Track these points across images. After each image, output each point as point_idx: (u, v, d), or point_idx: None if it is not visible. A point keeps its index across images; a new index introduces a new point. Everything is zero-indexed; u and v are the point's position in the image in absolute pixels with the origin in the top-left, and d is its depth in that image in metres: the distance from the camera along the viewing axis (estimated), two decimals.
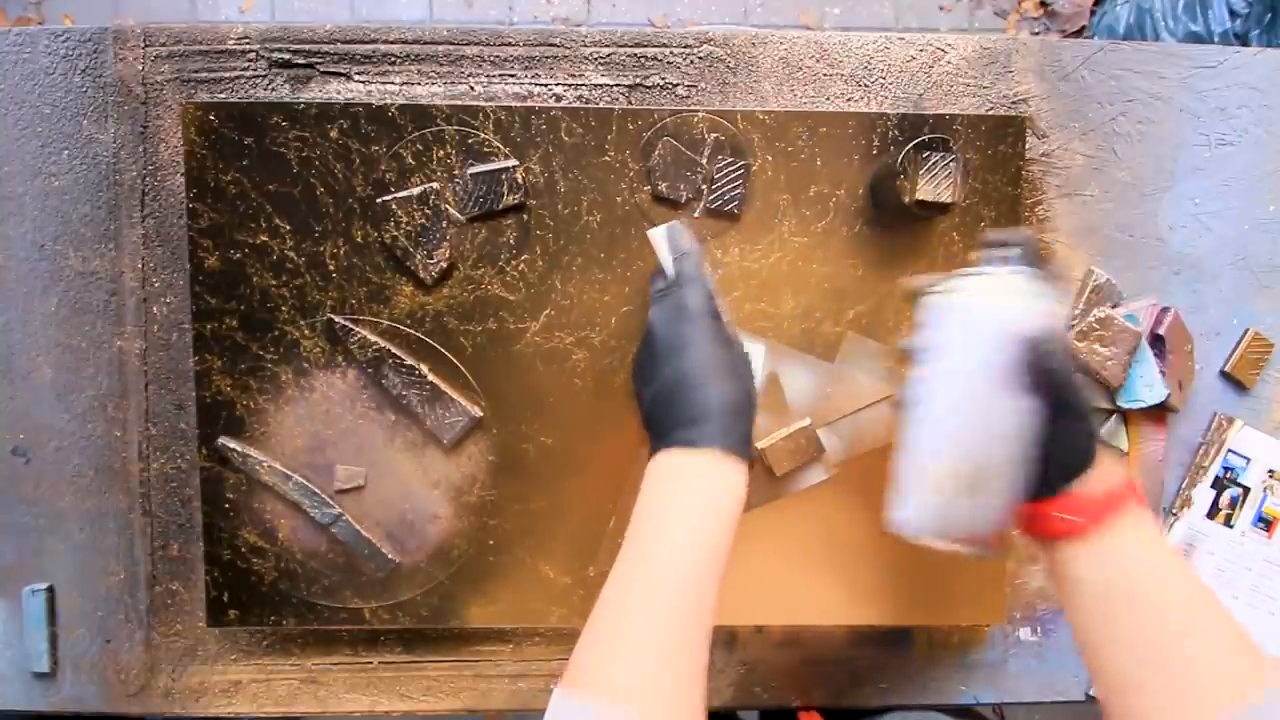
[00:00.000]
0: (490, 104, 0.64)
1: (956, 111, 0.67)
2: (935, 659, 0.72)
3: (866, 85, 0.68)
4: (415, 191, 0.63)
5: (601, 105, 0.67)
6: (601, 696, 0.39)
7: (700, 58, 0.67)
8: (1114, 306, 0.69)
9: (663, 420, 0.48)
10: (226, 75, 0.66)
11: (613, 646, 0.41)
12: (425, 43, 0.66)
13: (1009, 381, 0.46)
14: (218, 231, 0.63)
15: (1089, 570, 0.46)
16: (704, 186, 0.64)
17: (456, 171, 0.63)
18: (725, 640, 0.70)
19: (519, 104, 0.66)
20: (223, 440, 0.64)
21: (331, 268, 0.64)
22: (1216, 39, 1.33)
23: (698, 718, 0.40)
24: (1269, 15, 1.29)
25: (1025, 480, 0.48)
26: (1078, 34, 1.69)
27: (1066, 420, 0.46)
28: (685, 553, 0.43)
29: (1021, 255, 0.49)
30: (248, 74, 0.66)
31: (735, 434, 0.46)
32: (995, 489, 0.48)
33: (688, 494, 0.45)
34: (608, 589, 0.43)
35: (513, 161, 0.63)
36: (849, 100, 0.68)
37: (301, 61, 0.66)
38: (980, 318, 0.48)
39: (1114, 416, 0.69)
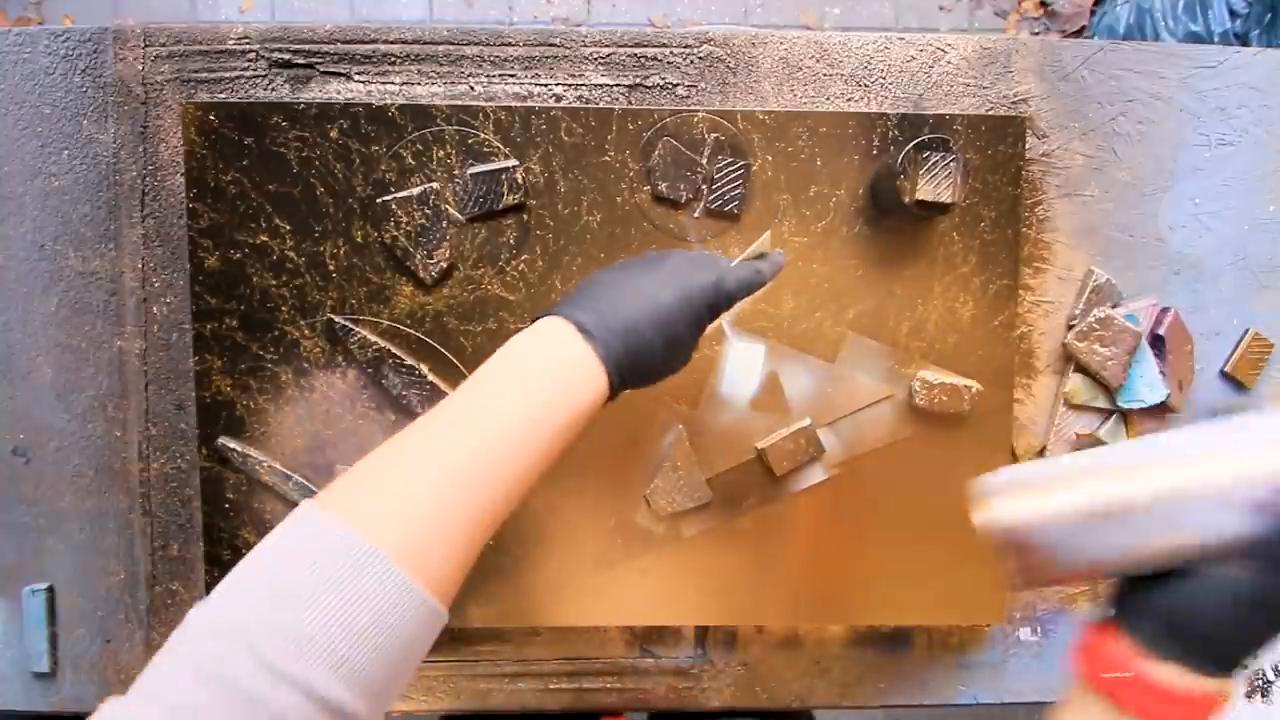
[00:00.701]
0: (490, 104, 0.64)
1: (956, 111, 0.67)
2: (935, 659, 0.72)
3: (866, 85, 0.68)
4: (415, 191, 0.63)
5: (601, 105, 0.67)
6: (358, 529, 0.34)
7: (700, 58, 0.67)
8: (1114, 306, 0.69)
9: (575, 293, 0.45)
10: (226, 75, 0.66)
11: (385, 486, 0.37)
12: (425, 43, 0.66)
13: (1250, 492, 0.35)
14: (218, 231, 0.63)
15: None
16: (704, 186, 0.64)
17: (456, 171, 0.63)
18: (725, 640, 0.70)
19: (519, 104, 0.66)
20: (223, 440, 0.64)
21: (331, 268, 0.64)
22: (1216, 39, 1.33)
23: (453, 588, 0.37)
24: (1269, 15, 1.29)
25: (1141, 601, 0.38)
26: (1078, 34, 1.69)
27: (1250, 606, 0.35)
28: (502, 431, 0.39)
29: None
30: (248, 74, 0.66)
31: (623, 363, 0.42)
32: (1133, 535, 0.37)
33: (544, 363, 0.41)
34: (409, 429, 0.39)
35: (513, 161, 0.63)
36: (849, 100, 0.68)
37: (301, 61, 0.66)
38: None
39: (1114, 416, 0.69)
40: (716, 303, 0.46)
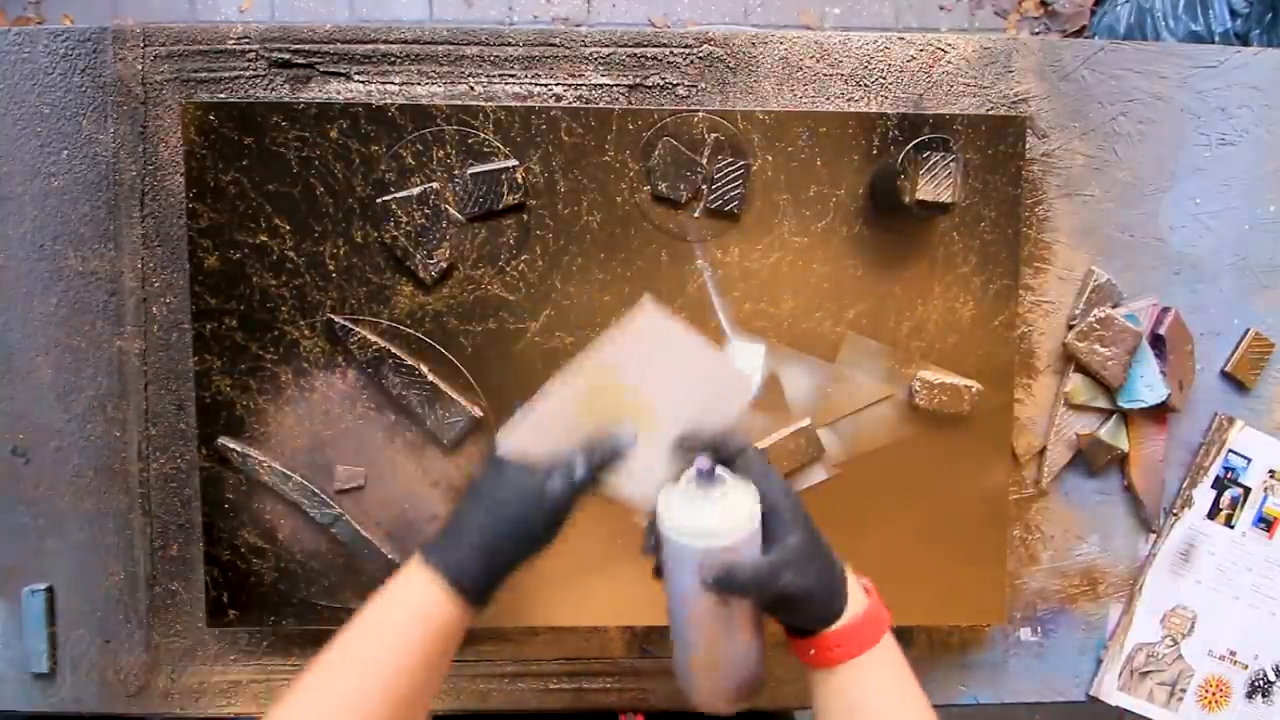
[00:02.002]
0: (490, 104, 0.64)
1: (956, 111, 0.67)
2: (935, 659, 0.72)
3: (866, 85, 0.68)
4: (415, 191, 0.63)
5: (601, 105, 0.67)
6: None
7: (700, 58, 0.67)
8: (1114, 306, 0.69)
9: (437, 534, 0.49)
10: (226, 75, 0.66)
11: None
12: (425, 43, 0.66)
13: (710, 595, 0.45)
14: (218, 231, 0.63)
15: (832, 699, 0.47)
16: (704, 186, 0.64)
17: (456, 171, 0.63)
18: None
19: (519, 104, 0.66)
20: (223, 440, 0.64)
21: (331, 268, 0.64)
22: (1217, 39, 1.33)
23: None
24: (1269, 15, 1.29)
25: (776, 614, 0.47)
26: (1078, 34, 1.69)
27: (790, 597, 0.45)
28: (376, 661, 0.45)
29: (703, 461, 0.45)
30: (248, 74, 0.66)
31: (470, 573, 0.46)
32: (732, 661, 0.48)
33: (400, 610, 0.46)
34: (307, 673, 0.45)
35: (513, 161, 0.63)
36: (849, 100, 0.68)
37: (301, 61, 0.66)
38: (672, 549, 0.46)
39: (1114, 416, 0.69)
40: (540, 485, 0.48)
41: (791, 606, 0.46)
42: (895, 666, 0.48)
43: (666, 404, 0.49)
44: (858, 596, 0.48)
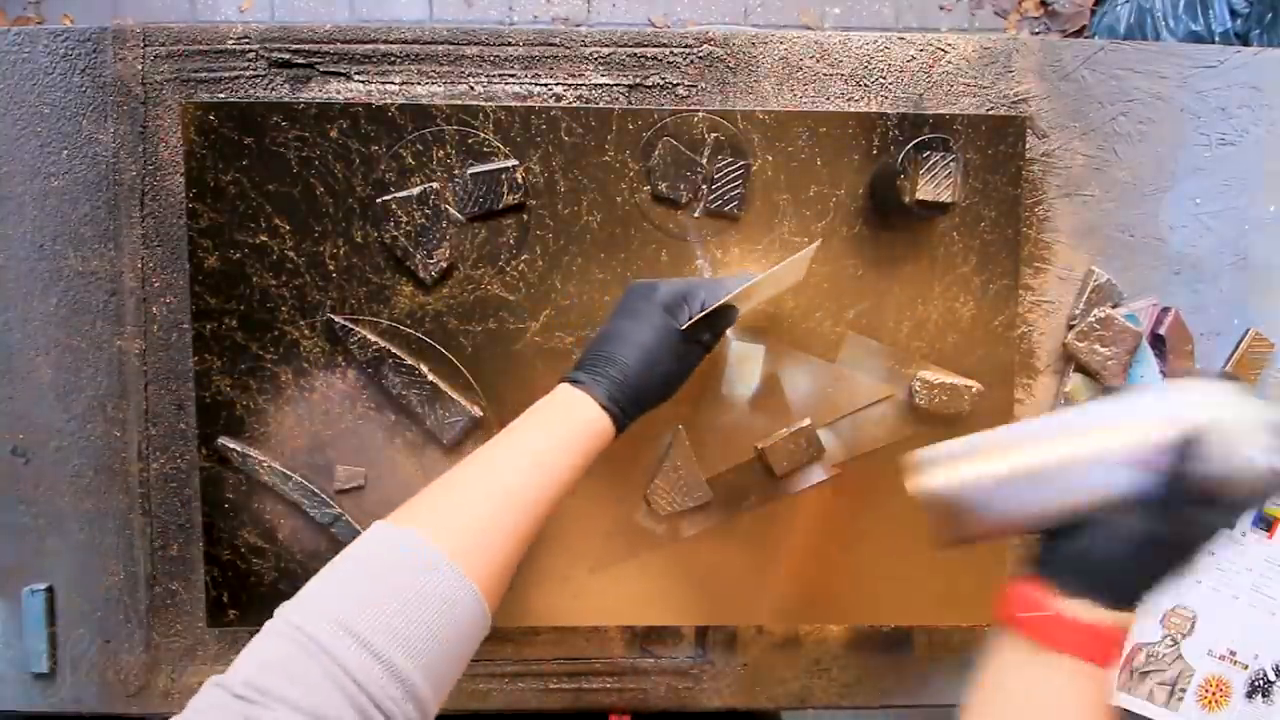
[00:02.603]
0: (490, 104, 0.64)
1: (956, 111, 0.67)
2: (935, 659, 0.72)
3: (866, 85, 0.68)
4: (415, 191, 0.63)
5: (601, 105, 0.67)
6: (420, 532, 0.43)
7: (700, 58, 0.67)
8: (1114, 306, 0.69)
9: (582, 357, 0.54)
10: (226, 75, 0.66)
11: (443, 501, 0.46)
12: (425, 43, 0.66)
13: (1137, 451, 0.41)
14: (218, 231, 0.63)
15: (1035, 686, 0.42)
16: (704, 186, 0.64)
17: (456, 171, 0.63)
18: (725, 640, 0.70)
19: (519, 104, 0.66)
20: (223, 440, 0.64)
21: (331, 268, 0.64)
22: (1217, 38, 1.33)
23: (498, 597, 0.45)
24: (1270, 15, 1.29)
25: (1053, 550, 0.44)
26: (1078, 34, 1.69)
27: (1142, 544, 0.41)
28: (532, 464, 0.48)
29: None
30: (248, 74, 0.66)
31: (618, 400, 0.51)
32: (1042, 495, 0.43)
33: (553, 421, 0.50)
34: (463, 464, 0.48)
35: (513, 161, 0.63)
36: (849, 100, 0.68)
37: (301, 61, 0.66)
38: (1187, 392, 0.42)
39: None
40: (690, 345, 0.54)
41: (1117, 543, 0.41)
42: (1099, 707, 0.42)
43: (763, 295, 0.61)
44: (1119, 624, 0.42)
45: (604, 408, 0.51)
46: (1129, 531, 0.41)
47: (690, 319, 0.54)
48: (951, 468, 0.46)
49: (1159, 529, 0.41)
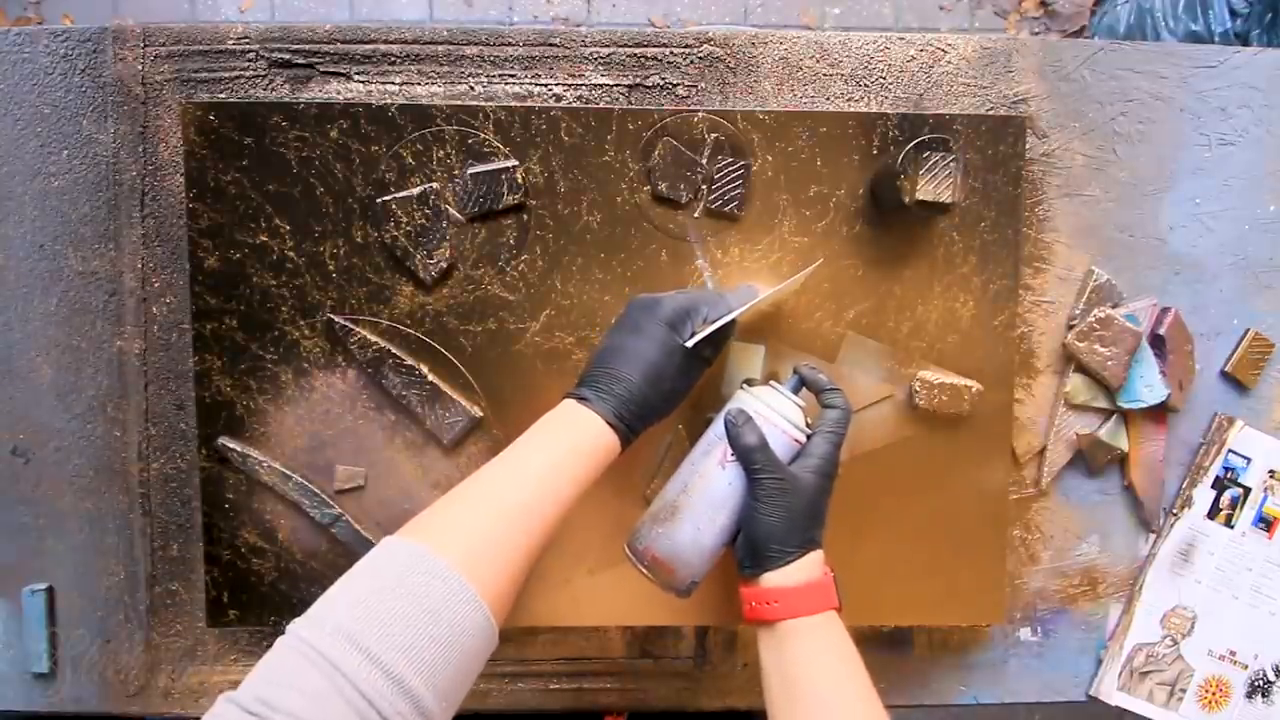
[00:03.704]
0: (490, 104, 0.64)
1: (956, 111, 0.67)
2: (935, 659, 0.72)
3: (866, 85, 0.68)
4: (415, 191, 0.63)
5: (601, 105, 0.67)
6: (431, 551, 0.44)
7: (700, 58, 0.67)
8: (1114, 306, 0.69)
9: (586, 374, 0.55)
10: (226, 75, 0.66)
11: (452, 518, 0.47)
12: (425, 43, 0.66)
13: (721, 454, 0.55)
14: (218, 231, 0.63)
15: (773, 659, 0.52)
16: (704, 186, 0.64)
17: (456, 171, 0.63)
18: (725, 640, 0.70)
19: (519, 104, 0.66)
20: (223, 440, 0.64)
21: (331, 268, 0.64)
22: (1217, 39, 1.33)
23: (505, 612, 0.46)
24: (1269, 15, 1.29)
25: (736, 555, 0.55)
26: (1078, 34, 1.69)
27: (763, 504, 0.52)
28: (539, 479, 0.49)
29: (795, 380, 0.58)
30: (248, 74, 0.66)
31: (625, 417, 0.52)
32: (679, 528, 0.55)
33: (559, 437, 0.51)
34: (471, 481, 0.49)
35: (513, 161, 0.63)
36: (849, 100, 0.68)
37: (301, 61, 0.66)
38: (733, 405, 0.57)
39: (1114, 416, 0.69)
40: (689, 351, 0.55)
41: (763, 520, 0.52)
42: (836, 646, 0.52)
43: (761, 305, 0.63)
44: (813, 570, 0.53)
45: (610, 424, 0.51)
46: (759, 507, 0.52)
47: (694, 335, 0.54)
48: (635, 542, 0.56)
49: (765, 489, 0.52)
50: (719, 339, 0.57)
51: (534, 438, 0.51)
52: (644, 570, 0.55)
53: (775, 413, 0.55)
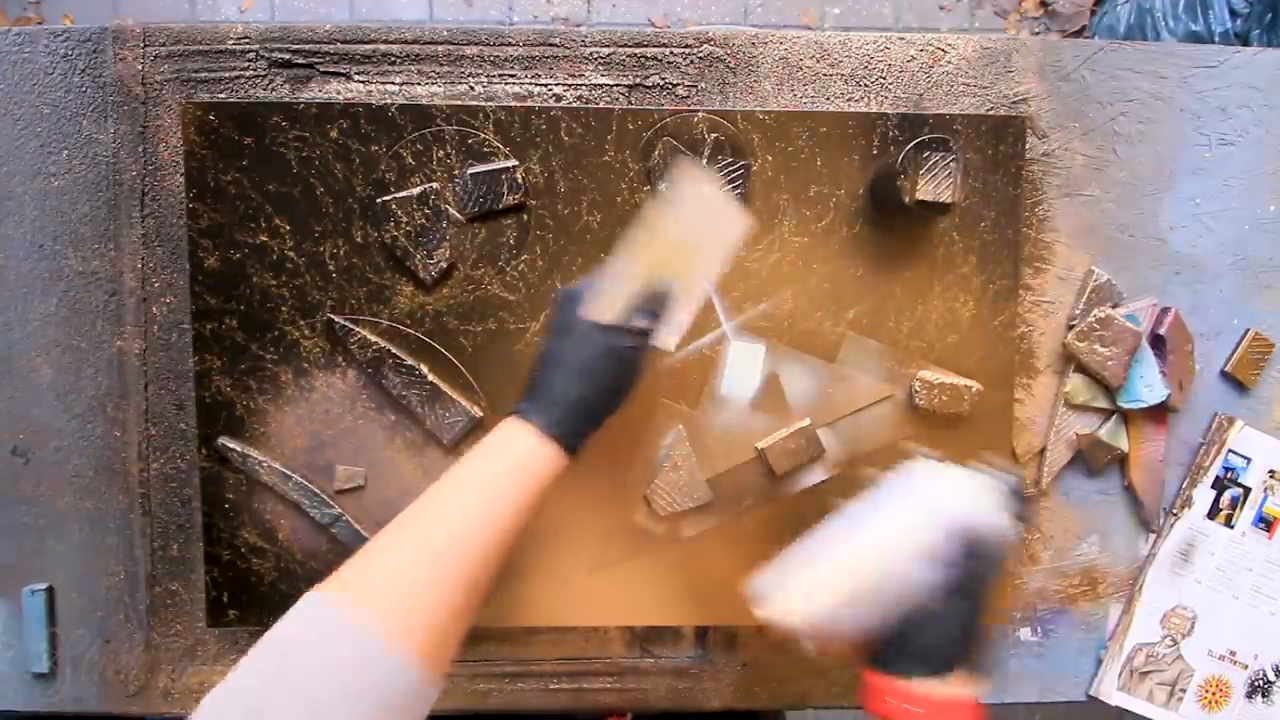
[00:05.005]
0: (490, 104, 0.64)
1: (956, 111, 0.67)
2: None
3: (866, 85, 0.68)
4: (415, 191, 0.63)
5: (601, 105, 0.67)
6: (351, 602, 0.42)
7: (700, 58, 0.67)
8: (1114, 306, 0.69)
9: (524, 385, 0.52)
10: (226, 75, 0.66)
11: (375, 564, 0.44)
12: (425, 43, 0.66)
13: (931, 549, 0.50)
14: (218, 231, 0.63)
15: None
16: None
17: (456, 171, 0.63)
18: (725, 640, 0.70)
19: (519, 104, 0.66)
20: (223, 440, 0.64)
21: (331, 268, 0.64)
22: (1217, 39, 1.33)
23: (443, 655, 0.43)
24: (1269, 15, 1.29)
25: (889, 646, 0.50)
26: (1078, 34, 1.69)
27: (956, 613, 0.49)
28: (465, 514, 0.46)
29: (1009, 485, 0.53)
30: (248, 74, 0.66)
31: (561, 423, 0.49)
32: (863, 615, 0.51)
33: (491, 462, 0.49)
34: (399, 517, 0.47)
35: (513, 161, 0.63)
36: (849, 100, 0.68)
37: (301, 61, 0.66)
38: (945, 487, 0.53)
39: (1114, 416, 0.69)
40: (622, 344, 0.52)
41: (948, 628, 0.49)
42: None
43: (692, 253, 0.55)
44: (964, 687, 0.49)
45: (550, 436, 0.49)
46: (949, 616, 0.49)
47: (607, 314, 0.52)
48: (787, 600, 0.52)
49: (969, 606, 0.49)
50: (653, 310, 0.53)
51: (467, 465, 0.49)
52: (792, 633, 0.52)
53: (977, 515, 0.51)
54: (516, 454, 0.49)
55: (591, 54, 0.67)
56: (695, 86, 0.67)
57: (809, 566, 0.52)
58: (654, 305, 0.53)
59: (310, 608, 0.42)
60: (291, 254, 0.64)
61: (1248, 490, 0.71)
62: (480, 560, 0.45)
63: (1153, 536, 0.72)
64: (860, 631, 0.51)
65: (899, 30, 1.72)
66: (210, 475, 0.65)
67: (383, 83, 0.66)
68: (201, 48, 0.65)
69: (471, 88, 0.67)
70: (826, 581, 0.51)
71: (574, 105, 0.66)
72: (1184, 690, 0.72)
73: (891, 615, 0.50)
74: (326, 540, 0.65)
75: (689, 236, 0.55)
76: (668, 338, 0.56)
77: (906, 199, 0.60)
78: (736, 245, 0.57)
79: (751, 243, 0.65)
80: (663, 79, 0.67)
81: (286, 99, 0.66)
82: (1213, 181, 0.70)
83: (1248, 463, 0.71)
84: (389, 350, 0.64)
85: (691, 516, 0.67)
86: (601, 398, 0.51)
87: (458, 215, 0.64)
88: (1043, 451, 0.70)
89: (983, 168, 0.65)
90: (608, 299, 0.52)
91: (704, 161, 0.64)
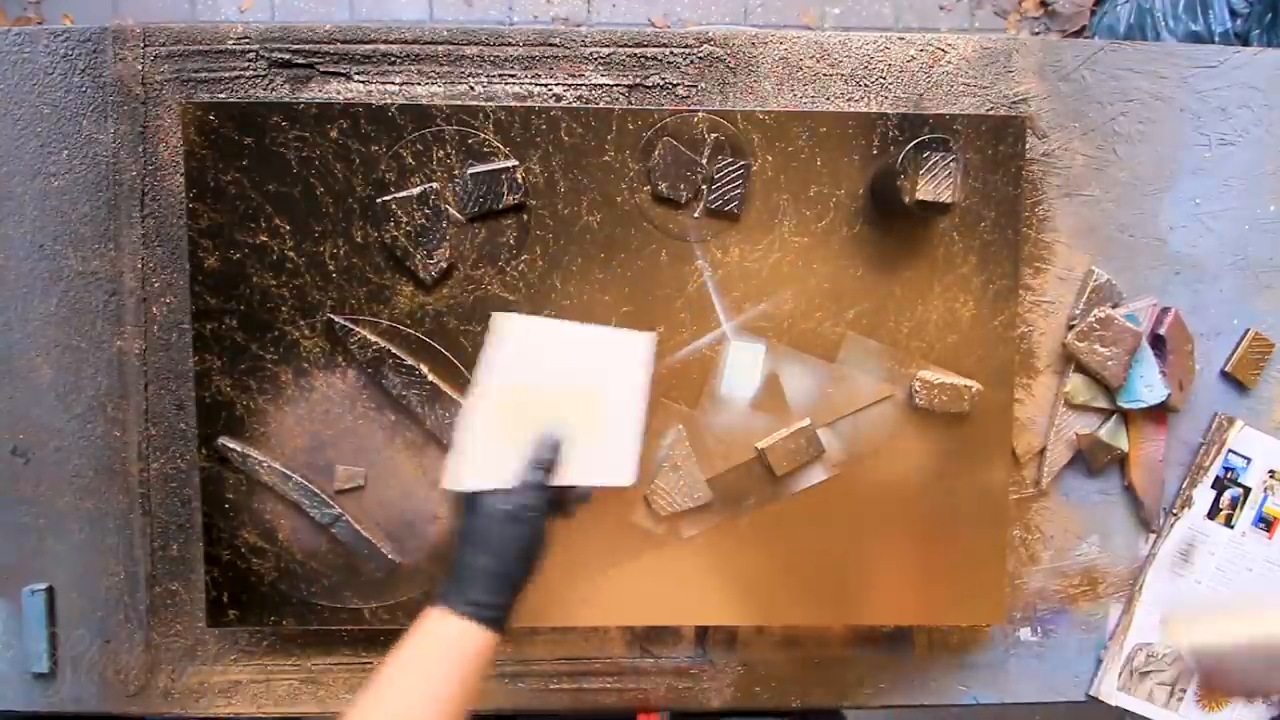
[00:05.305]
0: (490, 104, 0.64)
1: (956, 111, 0.67)
2: (935, 659, 0.72)
3: (866, 85, 0.68)
4: (415, 191, 0.63)
5: (601, 105, 0.67)
6: None
7: (700, 58, 0.67)
8: (1114, 306, 0.69)
9: (444, 580, 0.52)
10: (226, 75, 0.66)
11: None
12: (425, 43, 0.66)
13: None
14: (218, 231, 0.63)
15: None
16: (704, 186, 0.64)
17: (456, 171, 0.63)
18: (725, 640, 0.70)
19: (519, 104, 0.66)
20: (223, 440, 0.64)
21: (331, 268, 0.64)
22: (1217, 39, 1.33)
23: None
24: (1269, 15, 1.29)
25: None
26: (1078, 34, 1.69)
27: None
28: (416, 700, 0.47)
29: None
30: (248, 74, 0.66)
31: (479, 601, 0.49)
32: (1262, 670, 0.50)
33: (429, 649, 0.49)
34: (352, 713, 0.47)
35: (513, 161, 0.63)
36: (849, 100, 0.68)
37: (301, 61, 0.66)
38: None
39: (1114, 416, 0.69)
40: (518, 504, 0.52)
41: None
42: None
43: (574, 388, 0.54)
44: None
45: (478, 621, 0.49)
46: None
47: (496, 481, 0.52)
48: (1216, 630, 0.51)
49: None
50: (545, 467, 0.53)
51: (405, 660, 0.49)
52: (1187, 662, 0.53)
53: None
54: (447, 641, 0.49)
55: (591, 54, 0.66)
56: (695, 86, 0.67)
57: (1233, 607, 0.54)
58: (545, 456, 0.53)
59: None
60: (291, 254, 0.64)
61: (1248, 490, 0.71)
62: None
63: (1153, 536, 0.72)
64: (1258, 685, 0.51)
65: (899, 30, 1.72)
66: (210, 475, 0.65)
67: (383, 83, 0.66)
68: (201, 48, 0.65)
69: (471, 88, 0.67)
70: (1237, 623, 0.51)
71: (574, 105, 0.66)
72: (1184, 690, 0.72)
73: None
74: (326, 540, 0.65)
75: (571, 378, 0.55)
76: (621, 472, 0.56)
77: (906, 199, 0.60)
78: (647, 362, 0.57)
79: (752, 243, 0.65)
80: (663, 79, 0.67)
81: (286, 99, 0.66)
82: (1213, 181, 0.70)
83: (1248, 463, 0.71)
84: (389, 350, 0.64)
85: (691, 516, 0.67)
86: (511, 566, 0.51)
87: (458, 215, 0.64)
88: (1043, 451, 0.70)
89: (983, 168, 0.65)
90: (475, 468, 0.52)
91: (704, 161, 0.64)
